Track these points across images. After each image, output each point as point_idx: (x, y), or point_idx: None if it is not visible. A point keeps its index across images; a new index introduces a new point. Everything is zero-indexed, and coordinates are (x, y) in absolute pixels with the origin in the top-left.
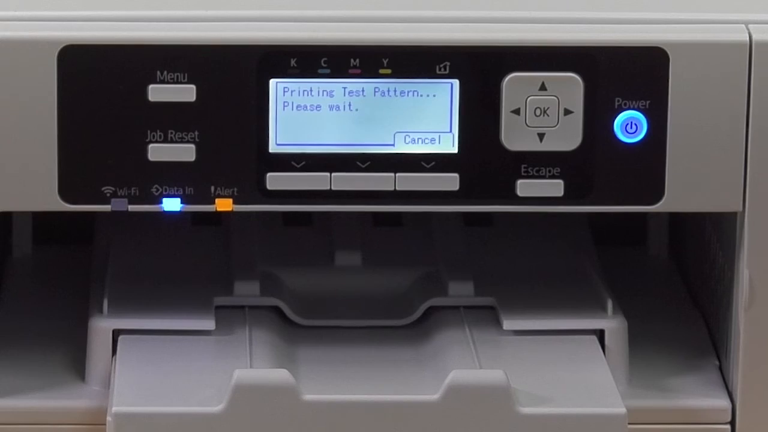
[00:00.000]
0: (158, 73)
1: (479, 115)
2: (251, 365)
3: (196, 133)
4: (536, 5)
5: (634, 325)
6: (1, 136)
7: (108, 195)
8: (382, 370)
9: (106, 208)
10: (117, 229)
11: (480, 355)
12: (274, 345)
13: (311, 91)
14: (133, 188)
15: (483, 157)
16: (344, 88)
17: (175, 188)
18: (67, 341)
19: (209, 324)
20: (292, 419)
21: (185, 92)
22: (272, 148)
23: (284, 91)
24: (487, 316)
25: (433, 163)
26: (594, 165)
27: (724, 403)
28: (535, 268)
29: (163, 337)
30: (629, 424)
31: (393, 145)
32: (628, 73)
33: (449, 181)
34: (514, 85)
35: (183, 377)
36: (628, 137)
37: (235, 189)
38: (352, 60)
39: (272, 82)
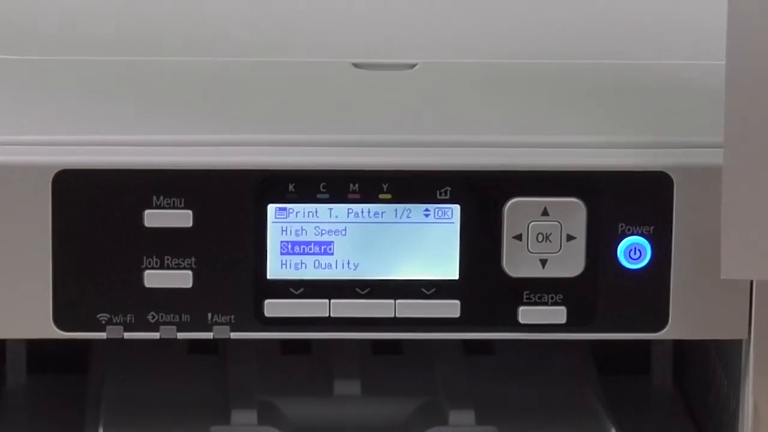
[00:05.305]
0: (154, 198)
1: (480, 240)
2: None
3: (193, 259)
4: (537, 129)
5: None
6: None
7: (103, 322)
8: None
9: (102, 335)
10: (112, 357)
11: None
12: None
13: (310, 216)
14: (128, 315)
15: (484, 283)
16: (343, 213)
17: (172, 315)
18: None
19: None
20: None
21: (181, 218)
22: (270, 274)
23: (283, 217)
24: None
25: (434, 289)
26: (597, 292)
27: None
28: (538, 398)
29: None
30: None
31: (393, 271)
32: (631, 199)
33: (450, 308)
34: (516, 210)
35: None
36: (631, 263)
37: (233, 316)
38: (351, 185)
39: (270, 207)
